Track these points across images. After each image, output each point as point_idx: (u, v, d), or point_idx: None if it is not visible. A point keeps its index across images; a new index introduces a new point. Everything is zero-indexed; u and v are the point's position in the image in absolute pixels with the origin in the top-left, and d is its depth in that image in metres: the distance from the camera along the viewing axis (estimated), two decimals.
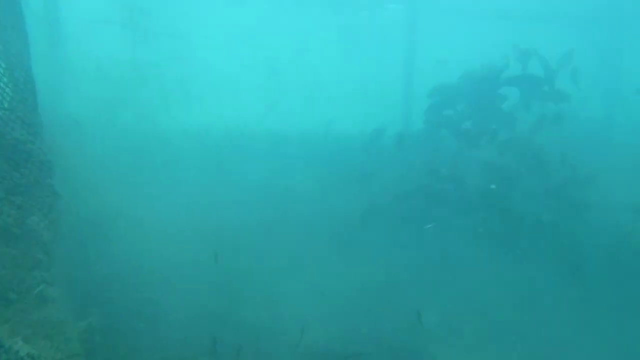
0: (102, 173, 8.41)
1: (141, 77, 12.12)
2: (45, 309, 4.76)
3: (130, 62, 12.18)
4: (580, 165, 9.38)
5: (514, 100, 10.02)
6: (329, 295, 7.64)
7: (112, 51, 11.93)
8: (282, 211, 9.74)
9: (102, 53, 11.55)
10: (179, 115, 12.41)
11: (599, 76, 14.79)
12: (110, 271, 6.40)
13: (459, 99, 10.05)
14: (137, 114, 11.58)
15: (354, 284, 8.12)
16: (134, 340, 5.72)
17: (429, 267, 8.87)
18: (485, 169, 9.40)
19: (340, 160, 11.25)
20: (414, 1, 14.64)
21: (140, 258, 7.12)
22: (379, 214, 9.98)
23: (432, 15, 15.16)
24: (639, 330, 7.36)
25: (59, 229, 5.33)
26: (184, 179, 9.96)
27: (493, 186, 9.24)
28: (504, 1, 15.15)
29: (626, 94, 13.20)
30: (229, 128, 12.25)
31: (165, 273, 6.93)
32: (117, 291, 6.21)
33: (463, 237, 9.09)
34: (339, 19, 15.62)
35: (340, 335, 6.99)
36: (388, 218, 9.85)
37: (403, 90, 14.41)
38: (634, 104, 12.34)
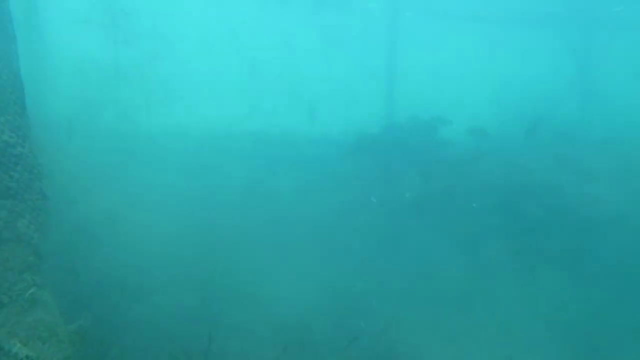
0: (86, 174, 8.36)
1: (123, 78, 12.02)
2: (37, 312, 4.76)
3: (112, 63, 12.07)
4: None
5: None
6: (310, 294, 7.77)
7: (94, 52, 11.81)
8: (266, 211, 9.82)
9: (84, 54, 11.43)
10: (162, 115, 12.35)
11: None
12: (98, 272, 6.40)
13: None
14: (119, 115, 11.50)
15: (334, 283, 8.28)
16: (124, 341, 5.75)
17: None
18: None
19: (323, 161, 11.40)
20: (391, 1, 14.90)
21: (126, 258, 7.12)
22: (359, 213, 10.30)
23: (410, 15, 15.44)
24: None
25: (48, 231, 5.33)
26: (167, 180, 9.94)
27: (474, 205, 10.32)
28: (481, 4, 15.48)
29: None
30: (212, 128, 12.25)
31: (154, 273, 6.95)
32: (106, 293, 6.21)
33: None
34: (321, 19, 15.72)
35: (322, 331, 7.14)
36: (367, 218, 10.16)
37: (384, 90, 14.66)
38: None
